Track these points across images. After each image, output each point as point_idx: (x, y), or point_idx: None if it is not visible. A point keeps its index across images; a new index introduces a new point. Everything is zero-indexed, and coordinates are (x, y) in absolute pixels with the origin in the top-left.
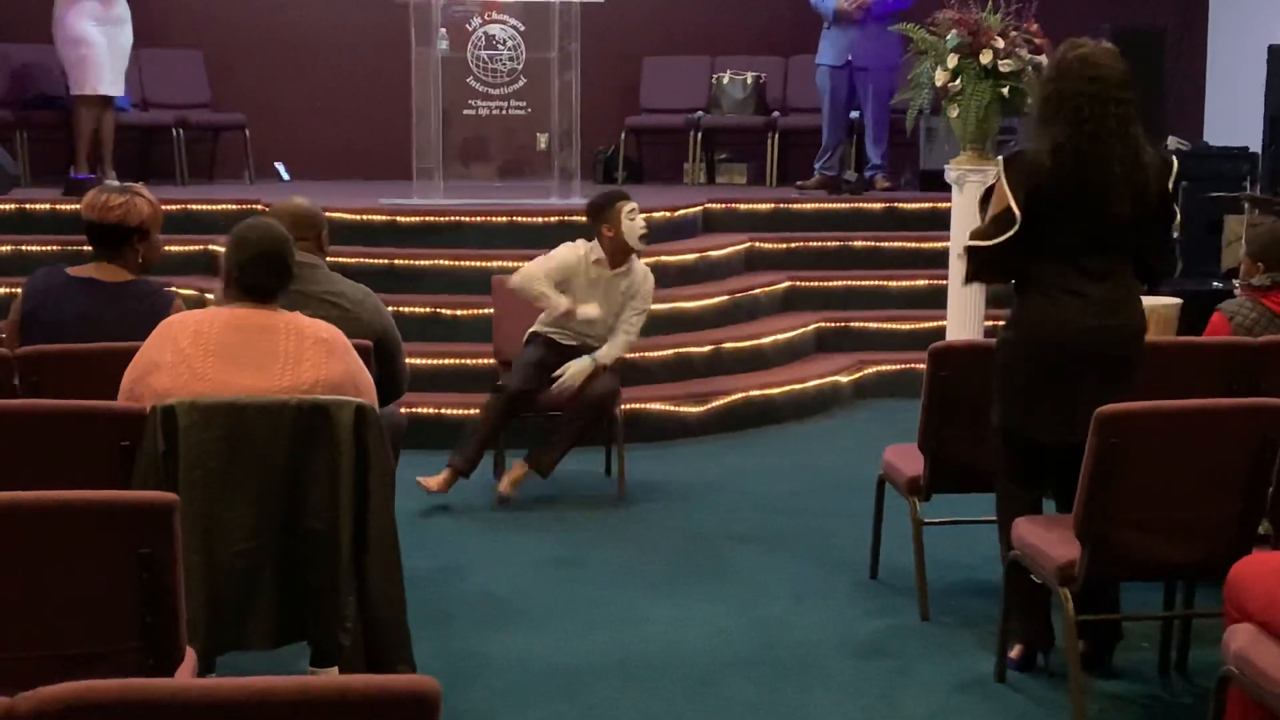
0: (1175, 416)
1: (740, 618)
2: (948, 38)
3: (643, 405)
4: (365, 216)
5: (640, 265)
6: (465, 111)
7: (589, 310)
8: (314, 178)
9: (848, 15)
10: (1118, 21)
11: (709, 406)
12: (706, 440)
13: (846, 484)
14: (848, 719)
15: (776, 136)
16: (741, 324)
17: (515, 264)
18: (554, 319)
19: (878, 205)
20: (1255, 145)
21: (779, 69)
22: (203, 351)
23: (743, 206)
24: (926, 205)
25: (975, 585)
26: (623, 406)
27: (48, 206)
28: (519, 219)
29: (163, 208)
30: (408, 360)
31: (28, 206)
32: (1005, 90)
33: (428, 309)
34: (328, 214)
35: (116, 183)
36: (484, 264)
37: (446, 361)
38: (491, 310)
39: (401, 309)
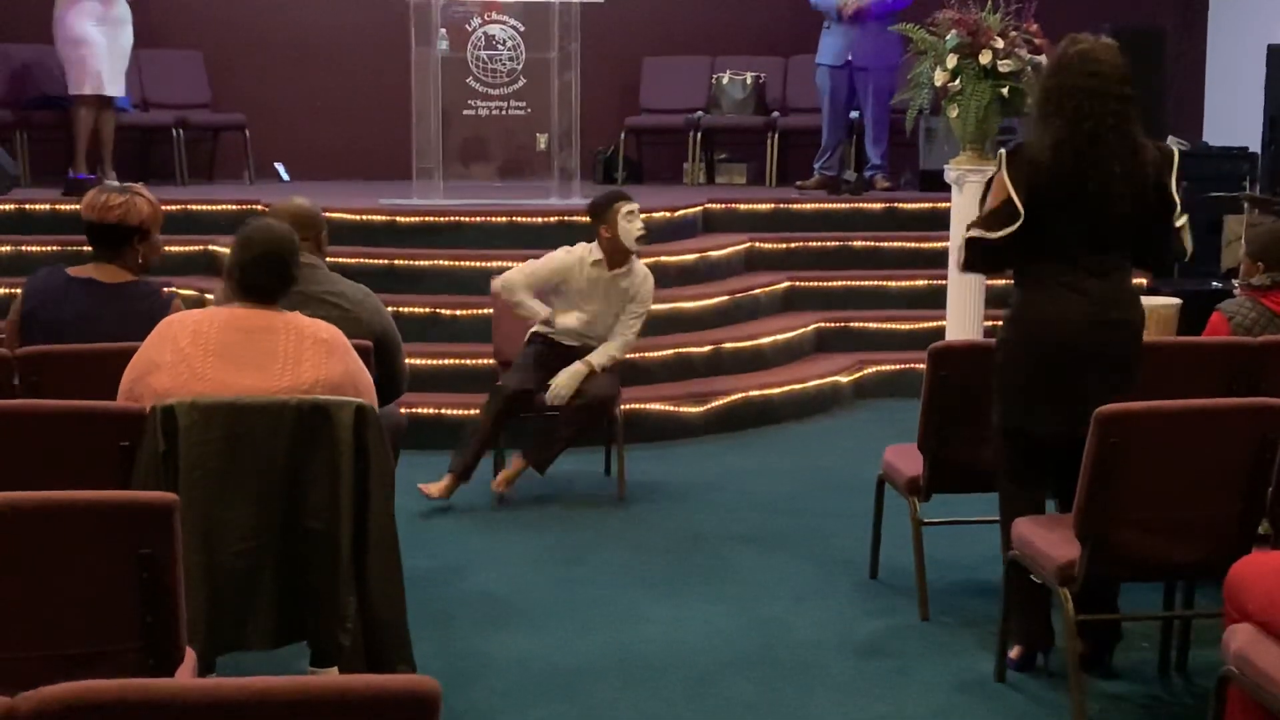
0: (1175, 416)
1: (740, 618)
2: (947, 38)
3: (643, 405)
4: (365, 216)
5: (640, 266)
6: (465, 112)
7: (567, 320)
8: (314, 178)
9: (847, 13)
10: (1118, 21)
11: (709, 407)
12: (706, 440)
13: (846, 484)
14: (847, 719)
15: (776, 136)
16: (741, 324)
17: (515, 264)
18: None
19: (878, 205)
20: (1255, 145)
21: (779, 69)
22: (202, 351)
23: (743, 207)
24: (926, 205)
25: (975, 585)
26: (623, 407)
27: (48, 207)
28: (519, 219)
29: (163, 208)
30: (408, 360)
31: (28, 207)
32: (1005, 90)
33: (427, 309)
34: (328, 214)
35: (116, 183)
36: (484, 264)
37: (446, 361)
38: (491, 310)
39: (401, 309)
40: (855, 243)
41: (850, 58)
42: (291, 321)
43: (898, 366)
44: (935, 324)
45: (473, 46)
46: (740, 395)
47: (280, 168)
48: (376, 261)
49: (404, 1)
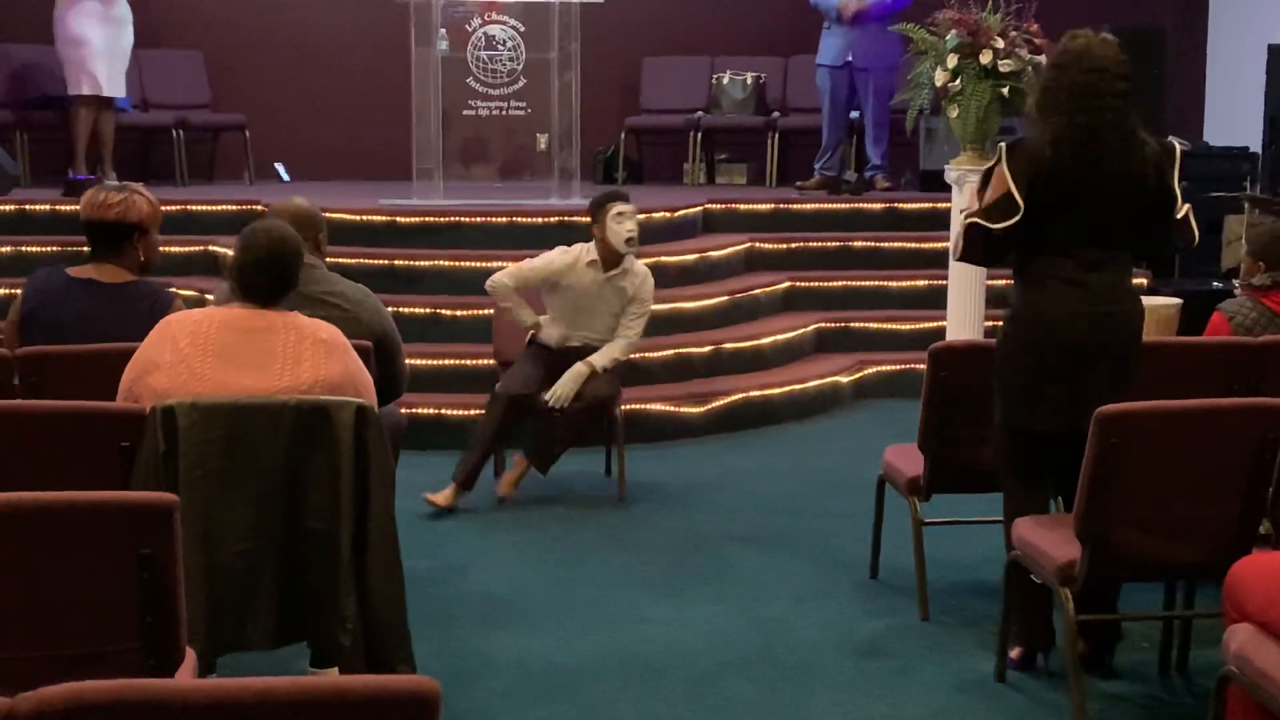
0: (1175, 416)
1: (740, 618)
2: (947, 38)
3: (643, 406)
4: (365, 217)
5: (640, 267)
6: (465, 112)
7: (550, 333)
8: (314, 178)
9: (847, 15)
10: (1118, 21)
11: (709, 407)
12: (706, 441)
13: (846, 484)
14: (847, 719)
15: (776, 137)
16: (741, 324)
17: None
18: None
19: (878, 205)
20: (1255, 145)
21: (779, 69)
22: (201, 351)
23: (743, 207)
24: (926, 205)
25: (975, 585)
26: (623, 407)
27: (48, 207)
28: (519, 219)
29: (162, 208)
30: (407, 361)
31: (28, 207)
32: (1005, 90)
33: (427, 310)
34: (327, 214)
35: (115, 182)
36: (484, 264)
37: (446, 362)
38: (491, 311)
39: (401, 309)
40: (855, 243)
41: (850, 58)
42: (291, 321)
43: (898, 367)
44: (935, 324)
45: (473, 47)
46: (740, 395)
47: (280, 168)
48: (376, 262)
49: (404, 1)
